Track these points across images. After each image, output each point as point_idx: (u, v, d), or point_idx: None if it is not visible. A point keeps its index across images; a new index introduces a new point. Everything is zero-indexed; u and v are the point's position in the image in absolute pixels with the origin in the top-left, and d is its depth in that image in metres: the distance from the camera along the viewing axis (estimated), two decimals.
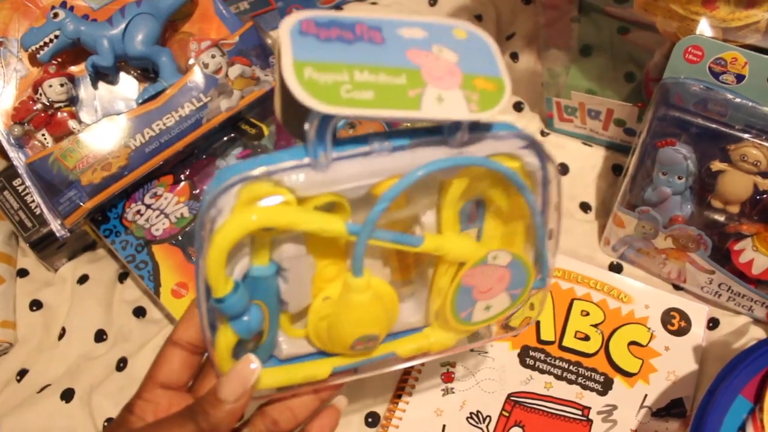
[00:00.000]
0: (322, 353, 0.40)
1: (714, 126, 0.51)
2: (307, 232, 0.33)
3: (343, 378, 0.40)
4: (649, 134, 0.53)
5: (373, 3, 0.79)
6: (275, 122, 0.66)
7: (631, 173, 0.56)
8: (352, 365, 0.40)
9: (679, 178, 0.54)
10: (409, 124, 0.53)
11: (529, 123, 0.69)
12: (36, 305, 0.64)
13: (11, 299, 0.64)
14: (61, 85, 0.60)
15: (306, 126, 0.31)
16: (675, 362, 0.56)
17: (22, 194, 0.64)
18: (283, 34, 0.29)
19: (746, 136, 0.50)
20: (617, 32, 0.67)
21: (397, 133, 0.34)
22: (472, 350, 0.57)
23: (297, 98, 0.28)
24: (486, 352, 0.57)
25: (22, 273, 0.66)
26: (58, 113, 0.61)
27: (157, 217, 0.61)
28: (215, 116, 0.61)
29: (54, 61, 0.61)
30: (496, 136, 0.35)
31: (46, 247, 0.63)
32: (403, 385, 0.56)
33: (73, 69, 0.63)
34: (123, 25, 0.61)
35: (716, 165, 0.52)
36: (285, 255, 0.35)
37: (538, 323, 0.58)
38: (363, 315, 0.37)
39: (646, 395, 0.55)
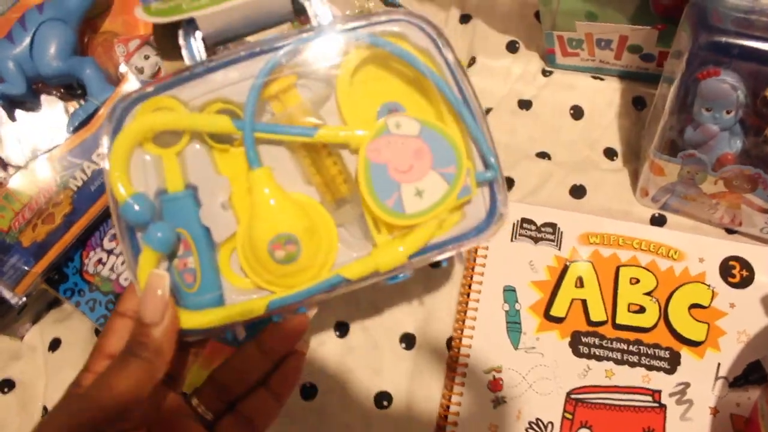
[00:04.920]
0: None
1: (765, 46, 0.42)
2: (199, 131, 0.37)
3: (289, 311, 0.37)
4: (688, 67, 0.44)
5: None
6: None
7: (667, 112, 0.47)
8: (292, 297, 0.36)
9: (728, 112, 0.45)
10: None
11: (528, 63, 0.59)
12: (7, 385, 0.55)
13: None
14: None
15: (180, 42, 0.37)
16: (744, 319, 0.49)
17: None
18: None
19: None
20: None
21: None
22: (521, 351, 0.49)
23: (141, 18, 0.37)
24: (533, 348, 0.50)
25: None
26: None
27: (123, 263, 0.51)
28: None
29: None
30: (371, 22, 0.37)
31: (2, 316, 0.54)
32: (448, 403, 0.49)
33: None
34: (27, 40, 0.50)
35: None
36: (193, 174, 0.37)
37: (585, 303, 0.50)
38: (271, 211, 0.36)
39: (719, 364, 0.48)
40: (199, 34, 0.37)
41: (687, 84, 0.45)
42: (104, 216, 0.51)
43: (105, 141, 0.35)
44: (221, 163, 0.37)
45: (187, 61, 0.37)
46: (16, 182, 0.48)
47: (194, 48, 0.37)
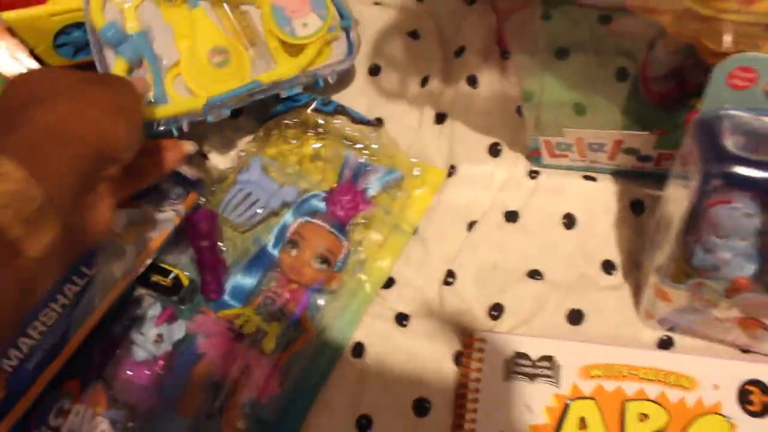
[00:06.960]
0: None
1: None
2: None
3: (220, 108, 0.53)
4: (697, 195, 0.39)
5: None
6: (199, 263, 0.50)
7: (672, 239, 0.42)
8: (225, 95, 0.53)
9: (742, 239, 0.40)
10: None
11: (513, 167, 0.54)
12: None
13: None
14: None
15: None
16: None
17: None
18: None
19: None
20: (598, 23, 0.52)
21: None
22: None
23: None
24: None
25: None
26: None
27: None
28: (111, 289, 0.44)
29: None
30: None
31: None
32: None
33: None
34: None
35: None
36: (146, 20, 0.54)
37: None
38: (209, 31, 0.54)
39: None
40: None
41: (696, 211, 0.40)
42: (48, 388, 0.45)
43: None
44: (165, 13, 0.54)
45: None
46: None
47: None
